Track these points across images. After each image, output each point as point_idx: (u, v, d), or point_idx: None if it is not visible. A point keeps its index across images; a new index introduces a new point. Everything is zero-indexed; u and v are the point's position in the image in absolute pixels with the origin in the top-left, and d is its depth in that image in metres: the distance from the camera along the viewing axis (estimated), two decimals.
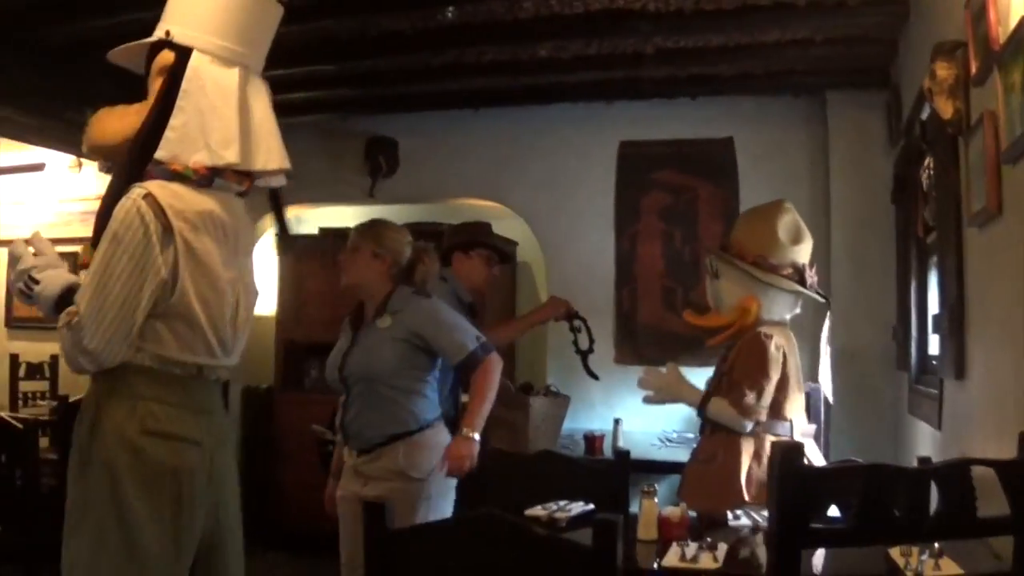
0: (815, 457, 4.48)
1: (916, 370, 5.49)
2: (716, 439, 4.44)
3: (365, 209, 8.51)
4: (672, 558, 3.08)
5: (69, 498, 2.77)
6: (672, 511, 3.45)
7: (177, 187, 2.80)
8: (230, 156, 2.90)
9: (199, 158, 2.85)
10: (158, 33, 2.94)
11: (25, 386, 8.56)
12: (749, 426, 4.28)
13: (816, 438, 5.51)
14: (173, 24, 2.93)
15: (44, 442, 6.32)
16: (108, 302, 2.65)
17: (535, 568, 2.29)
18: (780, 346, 4.35)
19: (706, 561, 3.03)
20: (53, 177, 9.32)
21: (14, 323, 9.68)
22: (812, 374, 6.50)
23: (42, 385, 8.75)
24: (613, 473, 4.11)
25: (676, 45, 6.13)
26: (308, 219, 9.06)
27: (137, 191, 2.72)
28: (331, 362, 4.55)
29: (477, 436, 4.23)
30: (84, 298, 2.68)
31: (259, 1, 3.06)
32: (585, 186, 7.51)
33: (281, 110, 7.39)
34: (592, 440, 6.17)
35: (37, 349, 8.86)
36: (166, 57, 2.91)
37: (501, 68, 6.61)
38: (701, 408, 4.47)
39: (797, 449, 2.34)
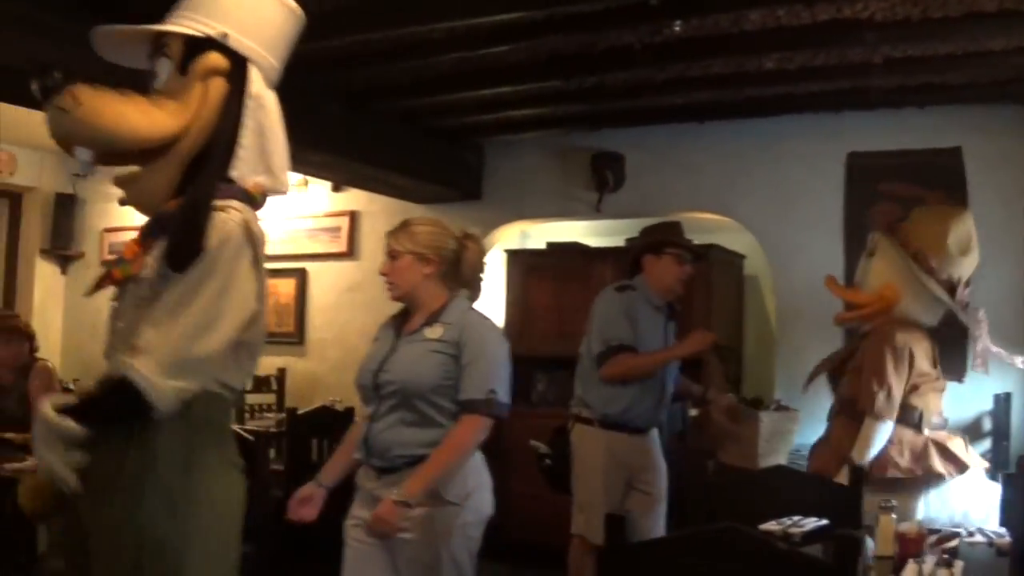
0: (959, 451, 4.42)
1: None
2: (837, 422, 4.64)
3: (592, 224, 8.65)
4: (910, 574, 3.03)
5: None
6: (909, 527, 3.41)
7: (249, 210, 2.58)
8: (286, 182, 2.74)
9: (260, 180, 2.65)
10: (207, 30, 2.59)
11: (252, 399, 8.75)
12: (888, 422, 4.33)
13: None
14: (231, 27, 2.60)
15: (271, 453, 6.57)
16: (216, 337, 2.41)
17: None
18: (906, 344, 4.35)
19: None
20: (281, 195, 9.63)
21: None
22: None
23: (269, 398, 9.05)
24: (846, 488, 4.06)
25: (903, 54, 5.99)
26: (536, 234, 9.20)
27: (235, 214, 2.48)
28: (365, 367, 4.02)
29: (413, 503, 3.69)
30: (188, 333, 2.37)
31: (300, 24, 2.80)
32: (813, 198, 7.40)
33: (508, 127, 7.59)
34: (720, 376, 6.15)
35: (263, 362, 9.12)
36: (217, 61, 2.58)
37: (727, 80, 6.58)
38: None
39: None
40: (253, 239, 2.47)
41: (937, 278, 4.43)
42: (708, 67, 6.40)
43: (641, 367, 5.29)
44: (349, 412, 7.31)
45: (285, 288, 9.40)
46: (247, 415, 8.52)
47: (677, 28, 5.55)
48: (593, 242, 8.62)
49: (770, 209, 7.57)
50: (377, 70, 6.55)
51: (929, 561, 3.10)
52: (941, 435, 4.44)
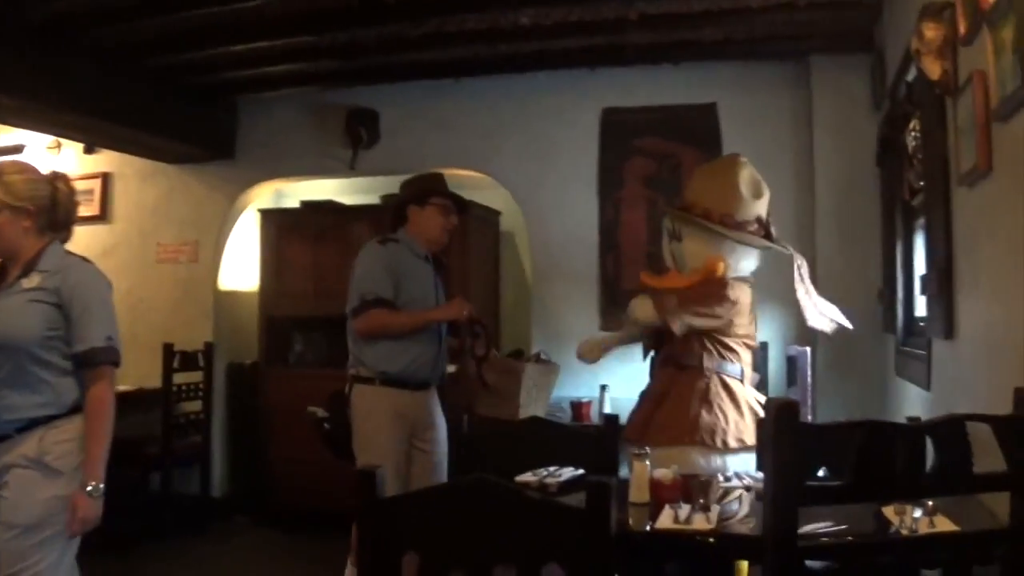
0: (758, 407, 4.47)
1: (903, 332, 5.50)
2: (665, 376, 4.53)
3: (348, 182, 8.54)
4: (665, 520, 3.05)
5: None
6: (664, 473, 3.42)
7: None
8: None
9: None
10: None
11: None
12: (674, 326, 4.35)
13: (802, 401, 5.52)
14: None
15: None
16: None
17: (529, 533, 2.26)
18: (737, 297, 4.37)
19: (699, 522, 3.01)
20: (32, 158, 9.23)
21: None
22: (798, 337, 6.48)
23: None
24: (602, 438, 4.09)
25: (659, 10, 6.05)
26: (291, 193, 9.04)
27: None
28: None
29: (103, 487, 3.60)
30: None
31: None
32: (568, 154, 7.47)
33: (263, 84, 7.39)
34: (579, 407, 6.17)
35: None
36: None
37: (482, 36, 6.55)
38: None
39: (793, 405, 2.31)
40: None
41: (750, 229, 4.44)
42: (463, 23, 6.34)
43: (395, 325, 5.13)
44: None
45: None
46: None
47: None
48: (348, 200, 8.49)
49: (525, 165, 7.60)
50: (128, 26, 6.27)
51: (685, 507, 3.12)
52: (759, 400, 4.48)
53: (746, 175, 4.47)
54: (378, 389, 5.15)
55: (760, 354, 6.24)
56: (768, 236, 4.50)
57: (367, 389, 5.17)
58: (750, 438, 4.27)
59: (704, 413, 4.31)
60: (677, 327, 4.33)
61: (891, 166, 5.74)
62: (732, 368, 4.43)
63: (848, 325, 4.63)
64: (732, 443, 4.26)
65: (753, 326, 4.57)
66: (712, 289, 4.37)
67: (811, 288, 4.59)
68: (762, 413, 4.29)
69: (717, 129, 7.22)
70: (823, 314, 4.60)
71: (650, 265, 6.06)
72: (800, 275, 4.56)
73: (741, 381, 4.46)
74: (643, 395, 4.70)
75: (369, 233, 7.76)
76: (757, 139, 7.03)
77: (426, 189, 5.40)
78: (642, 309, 4.54)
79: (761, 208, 4.48)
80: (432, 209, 5.35)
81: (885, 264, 6.02)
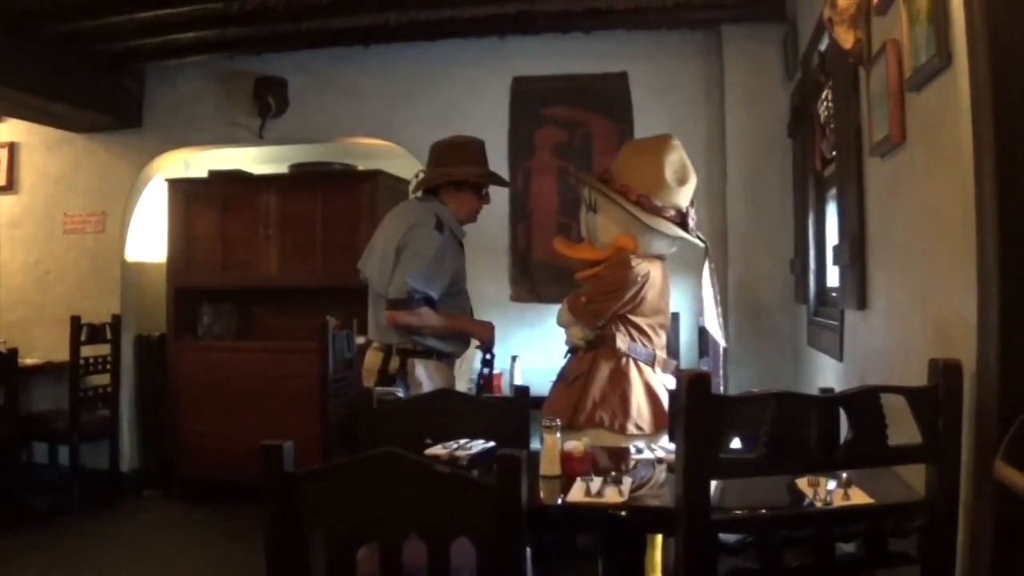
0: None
1: (815, 302, 5.52)
2: (584, 359, 4.46)
3: (254, 151, 8.40)
4: (577, 493, 2.99)
5: None
6: (575, 446, 3.38)
7: None
8: None
9: None
10: None
11: None
12: (590, 326, 4.38)
13: (714, 372, 5.52)
14: None
15: None
16: None
17: (438, 507, 2.23)
18: (645, 275, 4.32)
19: (612, 495, 2.95)
20: None
21: None
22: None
23: None
24: (512, 410, 4.02)
25: None
26: (198, 162, 8.88)
27: None
28: None
29: None
30: None
31: None
32: (479, 123, 7.35)
33: (170, 52, 7.25)
34: (489, 379, 6.10)
35: None
36: None
37: (392, 4, 6.49)
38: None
39: (705, 377, 2.28)
40: None
41: (666, 215, 4.35)
42: None
43: (436, 329, 4.99)
44: (12, 353, 6.99)
45: None
46: None
47: None
48: (257, 170, 8.36)
49: (435, 134, 7.41)
50: None
51: (596, 480, 3.08)
52: (667, 383, 4.45)
53: (674, 159, 4.39)
54: (437, 363, 5.08)
55: (671, 325, 6.25)
56: (684, 226, 4.43)
57: (429, 363, 5.05)
58: (648, 425, 4.27)
59: (608, 395, 4.30)
60: (592, 325, 4.35)
61: (803, 136, 5.74)
62: (642, 351, 4.40)
63: (723, 343, 4.66)
64: (631, 428, 4.25)
65: (666, 305, 4.53)
66: (616, 271, 4.33)
67: (716, 291, 4.62)
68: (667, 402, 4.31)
69: (628, 98, 7.19)
70: (719, 322, 4.66)
71: (562, 235, 6.01)
72: (711, 270, 4.56)
73: (652, 366, 4.42)
74: (560, 375, 4.65)
75: (277, 202, 7.71)
76: (669, 108, 7.03)
77: (463, 174, 5.17)
78: (561, 315, 4.53)
79: (683, 196, 4.40)
80: (470, 191, 5.20)
81: (797, 234, 6.03)
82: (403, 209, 5.27)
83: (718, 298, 4.70)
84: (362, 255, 5.31)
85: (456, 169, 5.15)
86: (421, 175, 5.38)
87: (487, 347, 5.22)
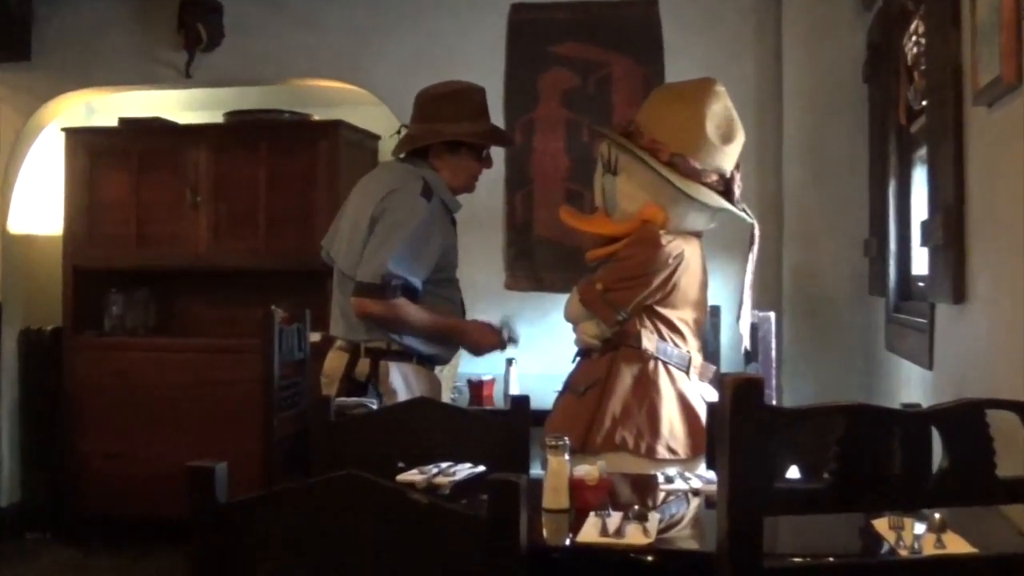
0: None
1: (896, 295, 5.51)
2: (600, 363, 4.39)
3: (178, 94, 8.39)
4: (590, 532, 2.99)
5: None
6: (588, 471, 3.36)
7: None
8: None
9: None
10: None
11: None
12: (608, 322, 4.29)
13: (766, 381, 5.52)
14: None
15: None
16: None
17: (413, 546, 2.22)
18: (678, 255, 4.25)
19: (634, 535, 2.95)
20: None
21: None
22: (760, 300, 6.50)
23: None
24: (508, 426, 4.05)
25: None
26: (106, 107, 8.86)
27: None
28: None
29: None
30: None
31: None
32: (466, 63, 7.36)
33: None
34: (479, 386, 6.11)
35: None
36: None
37: None
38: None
39: (757, 383, 2.26)
40: None
41: (706, 180, 4.26)
42: None
43: (416, 327, 4.96)
44: None
45: None
46: None
47: None
48: (183, 118, 8.38)
49: (412, 77, 7.41)
50: None
51: (615, 515, 3.07)
52: (705, 394, 4.41)
53: (718, 109, 4.29)
54: (418, 368, 5.07)
55: (709, 321, 6.25)
56: (728, 195, 4.37)
57: (406, 367, 5.03)
58: (683, 448, 4.23)
59: (632, 409, 4.25)
60: (610, 320, 4.28)
61: (883, 82, 5.74)
62: (674, 353, 4.35)
63: (746, 342, 4.70)
64: (661, 452, 4.20)
65: (704, 296, 4.50)
66: (642, 250, 4.28)
67: (753, 278, 4.61)
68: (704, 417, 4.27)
69: (658, 33, 7.20)
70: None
71: (571, 204, 6.00)
72: (753, 254, 4.53)
73: (687, 372, 4.41)
74: (567, 384, 4.61)
75: (208, 159, 7.69)
76: (709, 47, 7.03)
77: (459, 133, 5.12)
78: (570, 308, 4.47)
79: (728, 158, 4.31)
80: (467, 153, 5.18)
81: (873, 207, 6.04)
82: (381, 171, 5.30)
83: (751, 288, 4.67)
84: (328, 231, 5.29)
85: (450, 126, 5.10)
86: (404, 132, 5.33)
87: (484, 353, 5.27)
